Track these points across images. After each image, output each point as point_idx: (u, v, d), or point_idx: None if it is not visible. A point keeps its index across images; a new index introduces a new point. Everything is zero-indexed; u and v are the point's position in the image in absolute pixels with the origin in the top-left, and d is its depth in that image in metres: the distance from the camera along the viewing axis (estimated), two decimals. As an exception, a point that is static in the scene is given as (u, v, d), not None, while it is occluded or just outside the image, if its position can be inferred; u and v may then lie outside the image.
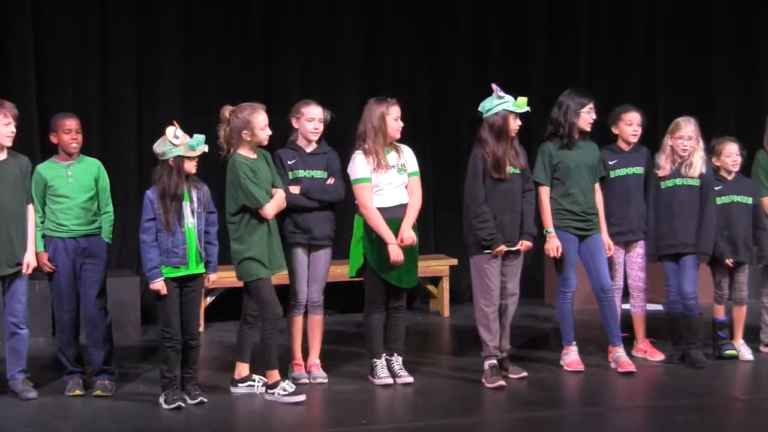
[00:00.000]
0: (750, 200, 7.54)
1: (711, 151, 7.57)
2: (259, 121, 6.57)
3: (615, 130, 7.55)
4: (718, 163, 7.56)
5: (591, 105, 7.33)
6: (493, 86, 7.00)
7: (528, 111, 6.99)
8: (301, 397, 6.64)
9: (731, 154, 7.52)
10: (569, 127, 7.28)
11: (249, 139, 6.55)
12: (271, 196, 6.59)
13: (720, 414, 6.54)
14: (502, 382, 6.95)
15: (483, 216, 6.93)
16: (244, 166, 6.51)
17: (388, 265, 6.89)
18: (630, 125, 7.49)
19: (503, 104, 6.95)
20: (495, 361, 7.02)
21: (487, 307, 6.99)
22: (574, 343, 7.40)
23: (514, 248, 7.02)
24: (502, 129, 6.94)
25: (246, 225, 6.53)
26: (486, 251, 6.94)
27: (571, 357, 7.35)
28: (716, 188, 7.48)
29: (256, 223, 6.53)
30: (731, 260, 7.48)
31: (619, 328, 7.42)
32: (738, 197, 7.51)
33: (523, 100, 6.98)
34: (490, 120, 6.97)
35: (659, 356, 7.62)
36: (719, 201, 7.48)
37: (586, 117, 7.30)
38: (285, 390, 6.62)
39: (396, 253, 6.81)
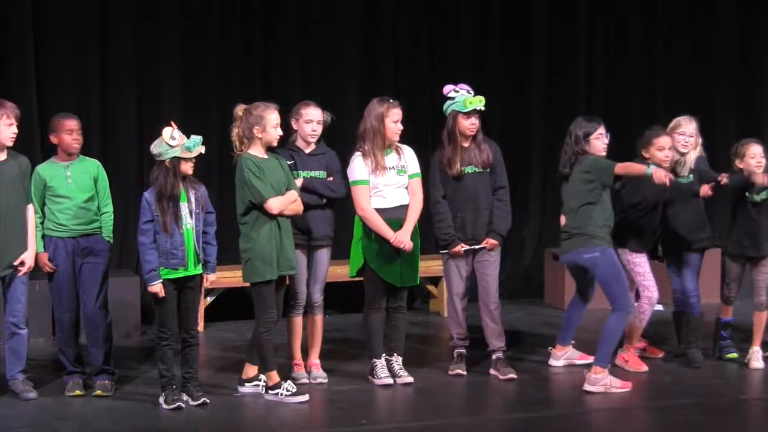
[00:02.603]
0: None
1: (735, 154, 7.51)
2: (272, 119, 6.56)
3: (645, 155, 7.25)
4: (741, 165, 7.43)
5: (600, 131, 7.06)
6: (445, 88, 7.15)
7: (476, 110, 7.04)
8: (305, 397, 6.64)
9: (755, 155, 7.43)
10: (583, 155, 7.12)
11: (260, 136, 6.53)
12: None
13: (720, 414, 6.53)
14: (461, 371, 7.18)
15: (440, 215, 7.14)
16: (249, 162, 6.50)
17: (387, 265, 6.90)
18: (662, 150, 7.21)
19: (452, 105, 7.12)
20: (462, 351, 7.29)
21: (452, 300, 7.27)
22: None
23: (477, 246, 7.11)
24: (452, 129, 7.12)
25: (254, 223, 6.51)
26: (442, 251, 7.19)
27: (617, 381, 6.97)
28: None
29: (264, 221, 6.50)
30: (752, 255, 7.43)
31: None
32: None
33: (471, 99, 7.05)
34: (446, 123, 7.17)
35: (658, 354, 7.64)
36: (752, 199, 7.45)
37: (597, 143, 7.06)
38: (288, 390, 6.63)
39: (400, 244, 6.85)
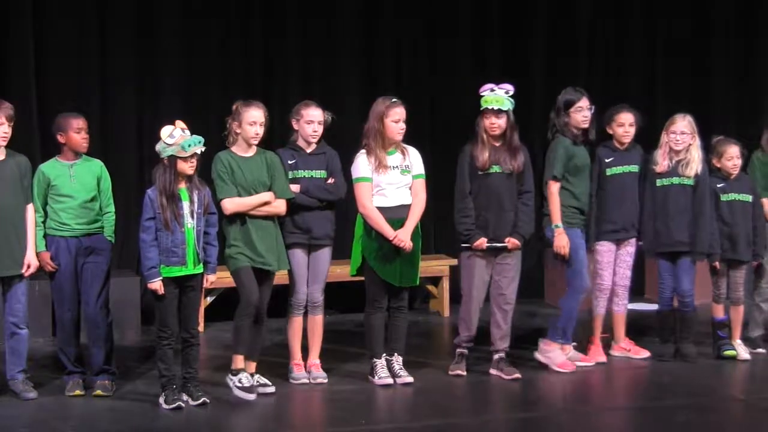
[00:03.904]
0: (750, 198, 7.56)
1: (711, 151, 7.58)
2: (249, 115, 6.66)
3: (609, 131, 7.55)
4: (718, 164, 7.57)
5: (581, 104, 7.28)
6: (482, 89, 7.11)
7: (494, 110, 7.00)
8: (251, 396, 6.56)
9: (732, 157, 7.53)
10: (563, 126, 7.28)
11: (238, 131, 6.69)
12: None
13: (720, 414, 6.54)
14: (461, 372, 7.16)
15: (464, 211, 7.09)
16: (219, 161, 6.68)
17: (386, 264, 6.90)
18: (622, 126, 7.50)
19: (482, 103, 7.08)
20: (464, 351, 7.24)
21: (465, 300, 7.19)
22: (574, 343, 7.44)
23: (499, 245, 7.06)
24: (477, 129, 7.09)
25: (228, 219, 6.66)
26: (464, 245, 7.10)
27: (561, 357, 7.33)
28: (719, 185, 7.52)
29: (234, 218, 6.66)
30: (718, 263, 7.53)
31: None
32: (739, 195, 7.54)
33: (487, 97, 7.02)
34: None
35: (644, 353, 7.65)
36: (723, 198, 7.50)
37: (577, 116, 7.27)
38: (241, 383, 6.60)
39: (400, 243, 6.85)
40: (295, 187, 6.88)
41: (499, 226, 7.08)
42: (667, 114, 7.80)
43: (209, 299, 8.80)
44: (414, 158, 7.05)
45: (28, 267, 6.69)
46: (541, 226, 7.35)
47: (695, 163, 7.41)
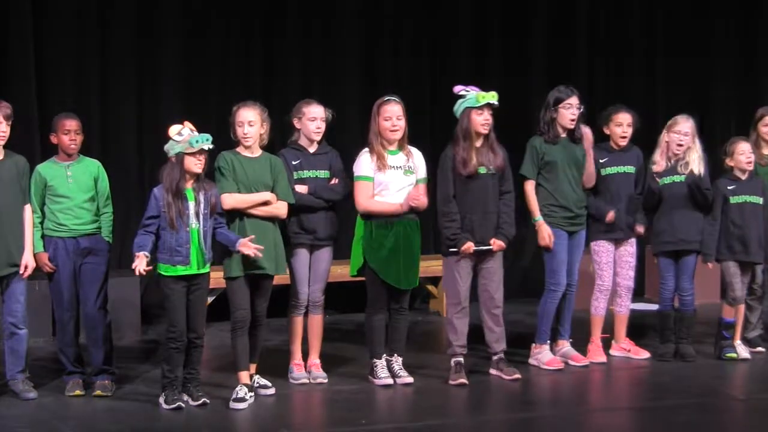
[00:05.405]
0: (761, 200, 7.55)
1: (724, 153, 7.59)
2: (237, 116, 6.69)
3: (606, 131, 7.56)
4: (731, 163, 7.57)
5: (570, 101, 7.28)
6: (455, 88, 7.06)
7: (490, 104, 6.95)
8: (242, 405, 6.50)
9: (744, 152, 7.53)
10: (550, 123, 7.30)
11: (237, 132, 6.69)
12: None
13: (720, 414, 6.54)
14: (464, 380, 7.02)
15: (449, 215, 7.02)
16: (221, 158, 6.67)
17: (386, 266, 6.89)
18: (620, 126, 7.50)
19: (465, 102, 7.02)
20: (460, 359, 7.12)
21: (452, 306, 7.12)
22: (549, 342, 7.49)
23: (485, 248, 7.03)
24: (467, 127, 7.00)
25: (228, 219, 6.62)
26: (451, 250, 7.02)
27: (548, 356, 7.41)
28: (729, 188, 7.51)
29: (233, 218, 6.62)
30: (711, 264, 7.52)
31: (570, 322, 7.55)
32: (750, 197, 7.53)
33: (484, 93, 6.96)
34: (459, 121, 7.06)
35: (644, 354, 7.65)
36: (732, 200, 7.50)
37: (565, 113, 7.29)
38: (237, 393, 6.57)
39: (414, 202, 6.86)
40: (303, 188, 6.88)
41: (484, 228, 7.03)
42: (667, 114, 7.80)
43: (209, 299, 8.77)
44: (418, 161, 7.04)
45: (26, 268, 6.69)
46: (521, 227, 7.37)
47: (693, 165, 7.42)
